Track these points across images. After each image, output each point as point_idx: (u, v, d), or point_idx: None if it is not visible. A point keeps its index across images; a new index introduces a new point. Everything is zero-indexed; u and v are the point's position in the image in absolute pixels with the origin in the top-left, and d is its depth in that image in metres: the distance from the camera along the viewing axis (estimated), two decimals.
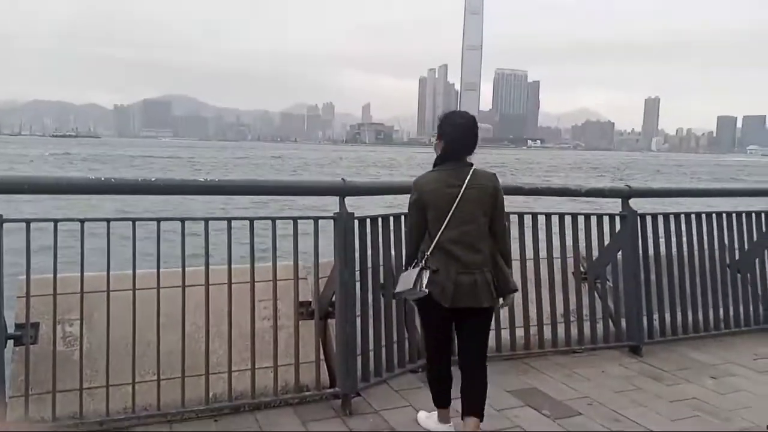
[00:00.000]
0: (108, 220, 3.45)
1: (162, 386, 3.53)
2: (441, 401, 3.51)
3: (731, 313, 5.67)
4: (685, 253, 5.48)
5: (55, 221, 3.38)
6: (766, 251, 5.88)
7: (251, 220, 3.77)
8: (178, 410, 3.57)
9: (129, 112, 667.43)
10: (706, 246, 5.59)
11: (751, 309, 5.77)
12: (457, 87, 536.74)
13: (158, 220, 3.58)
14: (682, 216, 5.49)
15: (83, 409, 3.40)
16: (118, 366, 3.53)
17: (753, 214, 5.87)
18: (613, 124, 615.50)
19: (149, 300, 3.54)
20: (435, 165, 3.34)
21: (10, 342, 3.35)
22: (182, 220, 3.63)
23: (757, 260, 5.86)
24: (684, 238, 5.49)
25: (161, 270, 3.58)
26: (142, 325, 3.54)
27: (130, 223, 3.56)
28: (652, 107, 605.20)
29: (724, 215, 5.70)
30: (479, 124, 3.41)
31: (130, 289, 3.47)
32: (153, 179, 3.71)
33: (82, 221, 3.39)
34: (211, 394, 3.66)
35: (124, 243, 3.54)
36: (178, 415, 3.58)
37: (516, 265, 4.53)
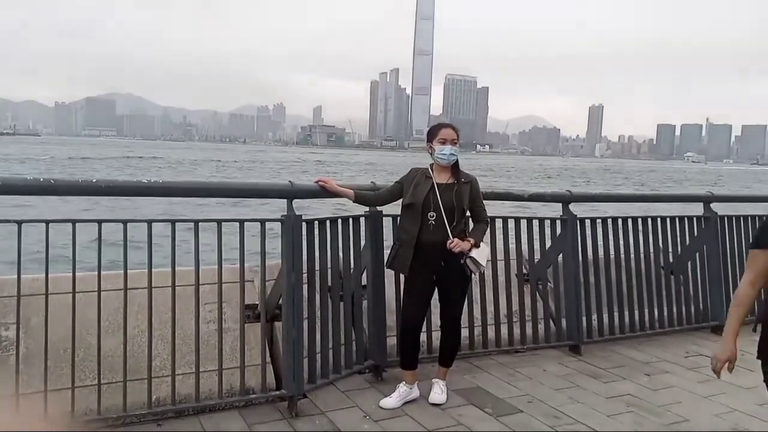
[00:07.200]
0: (47, 222, 3.36)
1: (103, 391, 3.46)
2: None
3: (665, 313, 5.92)
4: (623, 256, 5.71)
5: None
6: (698, 254, 6.18)
7: (196, 222, 3.72)
8: (119, 415, 3.49)
9: (71, 109, 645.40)
10: (642, 249, 5.83)
11: (684, 309, 6.05)
12: (409, 91, 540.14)
13: (99, 222, 3.50)
14: (620, 220, 5.71)
15: None
16: (57, 371, 3.44)
17: (686, 219, 6.15)
18: (559, 130, 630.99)
19: (90, 303, 3.47)
20: None
21: None
22: (124, 222, 3.55)
23: (689, 263, 6.14)
24: (621, 242, 5.71)
25: (102, 273, 3.50)
26: (82, 329, 3.47)
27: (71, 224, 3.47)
28: (595, 114, 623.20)
29: (659, 219, 5.95)
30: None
31: (70, 292, 3.39)
32: (94, 180, 3.62)
33: (19, 223, 3.29)
34: (154, 398, 3.60)
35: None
36: (120, 419, 3.50)
37: None
